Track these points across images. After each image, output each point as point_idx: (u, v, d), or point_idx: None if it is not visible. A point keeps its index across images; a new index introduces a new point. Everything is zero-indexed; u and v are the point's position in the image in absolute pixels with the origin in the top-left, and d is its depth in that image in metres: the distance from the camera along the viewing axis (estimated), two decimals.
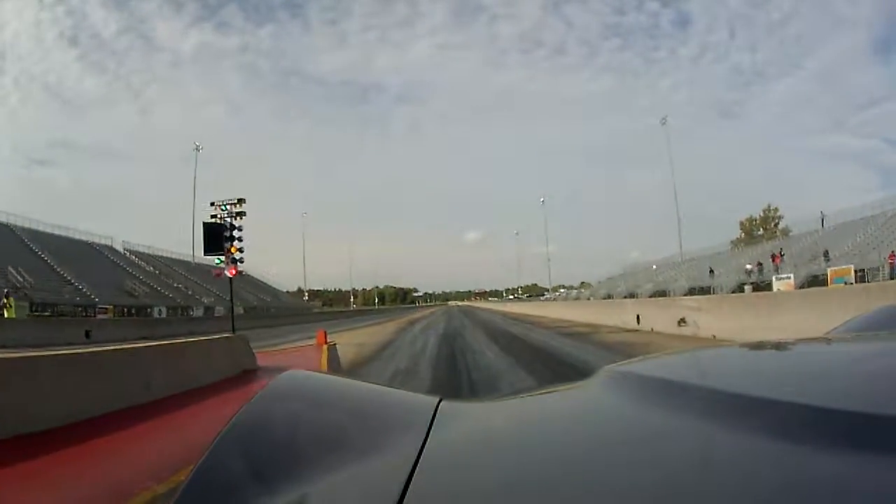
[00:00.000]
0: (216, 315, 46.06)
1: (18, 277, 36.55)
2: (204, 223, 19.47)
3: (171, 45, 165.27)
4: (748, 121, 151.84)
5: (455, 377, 10.98)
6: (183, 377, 7.67)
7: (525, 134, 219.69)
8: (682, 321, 16.61)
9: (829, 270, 28.44)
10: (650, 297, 41.79)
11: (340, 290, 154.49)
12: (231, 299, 20.67)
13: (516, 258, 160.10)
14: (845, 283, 23.95)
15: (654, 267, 61.40)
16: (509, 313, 49.20)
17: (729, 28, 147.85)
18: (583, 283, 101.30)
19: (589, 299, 55.08)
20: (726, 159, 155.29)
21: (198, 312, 47.52)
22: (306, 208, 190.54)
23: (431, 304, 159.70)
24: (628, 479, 0.52)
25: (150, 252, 62.92)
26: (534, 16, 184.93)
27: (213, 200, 19.69)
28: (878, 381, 0.65)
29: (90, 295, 40.40)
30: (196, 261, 67.80)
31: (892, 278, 24.36)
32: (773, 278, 32.16)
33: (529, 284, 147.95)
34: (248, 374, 9.52)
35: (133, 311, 41.80)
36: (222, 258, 19.10)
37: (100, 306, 38.30)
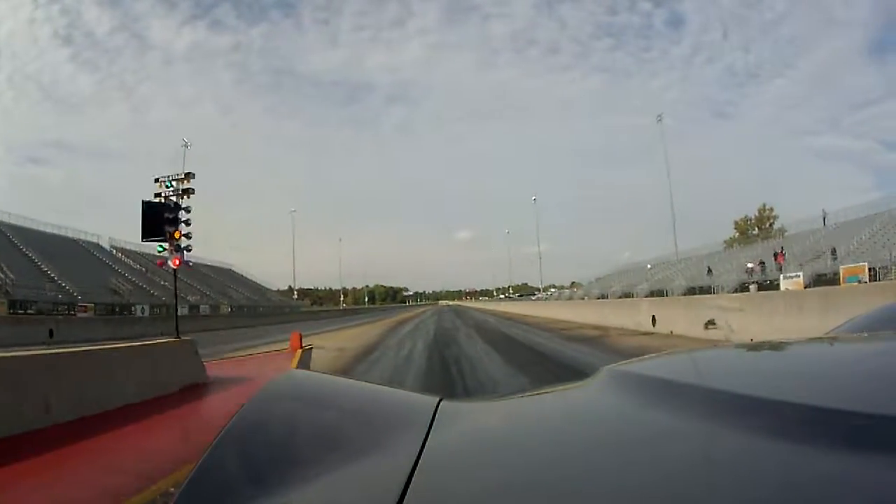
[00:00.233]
0: (202, 314, 45.44)
1: (0, 274, 35.65)
2: (143, 202, 15.61)
3: (164, 43, 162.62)
4: (740, 121, 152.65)
5: (450, 390, 9.14)
6: (101, 393, 6.26)
7: (516, 134, 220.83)
8: (710, 323, 14.50)
9: (841, 268, 27.66)
10: (646, 296, 41.13)
11: (331, 289, 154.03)
12: (175, 295, 17.23)
13: (507, 258, 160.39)
14: (859, 282, 23.25)
15: (649, 266, 60.80)
16: (503, 313, 47.75)
17: (722, 28, 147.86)
18: (573, 282, 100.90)
19: (583, 299, 54.27)
20: (717, 160, 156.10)
21: (182, 311, 46.05)
22: (298, 208, 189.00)
23: (422, 303, 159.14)
24: (628, 479, 0.52)
25: (138, 250, 61.61)
26: (526, 15, 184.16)
27: (157, 176, 16.44)
28: (878, 381, 0.65)
29: (73, 293, 39.72)
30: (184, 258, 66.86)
31: None
32: (781, 277, 31.35)
33: (520, 284, 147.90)
34: (192, 391, 7.83)
35: (115, 310, 40.88)
36: (165, 245, 15.71)
37: (80, 304, 37.34)
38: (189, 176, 16.51)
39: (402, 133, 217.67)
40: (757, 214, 66.80)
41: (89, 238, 56.67)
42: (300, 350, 12.81)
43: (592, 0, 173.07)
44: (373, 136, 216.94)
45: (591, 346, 15.19)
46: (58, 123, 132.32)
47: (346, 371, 12.14)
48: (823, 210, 41.53)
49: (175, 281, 16.54)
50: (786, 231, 49.15)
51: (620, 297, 45.34)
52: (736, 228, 67.31)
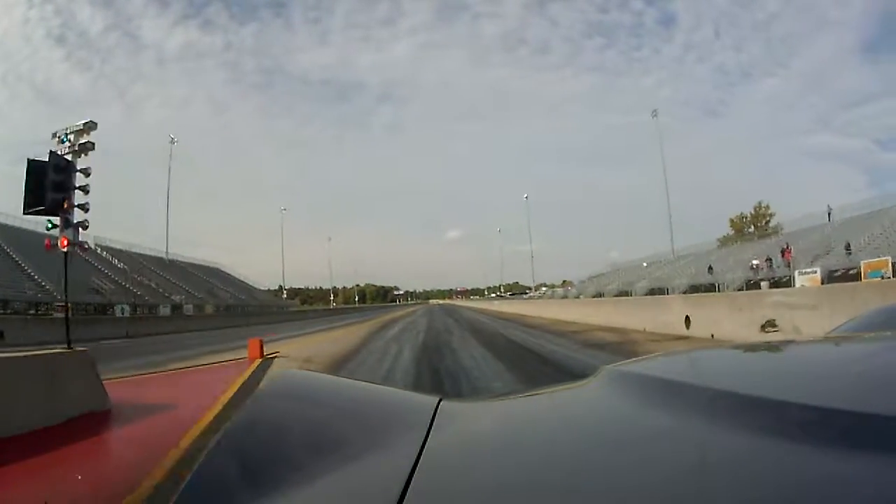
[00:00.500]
0: (185, 314, 43.94)
1: None
2: (29, 160, 11.80)
3: (155, 42, 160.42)
4: (731, 120, 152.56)
5: None
6: None
7: (506, 133, 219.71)
8: (769, 324, 11.47)
9: (862, 263, 26.56)
10: (645, 294, 40.14)
11: (322, 289, 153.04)
12: (65, 288, 13.39)
13: (499, 256, 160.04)
14: (882, 277, 22.46)
15: (645, 265, 60.06)
16: (498, 313, 44.00)
17: (714, 27, 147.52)
18: (564, 281, 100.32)
19: (578, 297, 53.24)
20: (709, 159, 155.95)
21: (164, 311, 45.30)
22: (290, 208, 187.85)
23: (412, 302, 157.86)
24: (628, 479, 0.52)
25: (123, 248, 60.27)
26: (517, 14, 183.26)
27: (54, 131, 12.63)
28: (878, 381, 0.65)
29: (52, 291, 38.09)
30: (170, 257, 65.38)
31: None
32: (796, 273, 30.26)
33: (511, 283, 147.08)
34: (79, 425, 5.55)
35: (98, 309, 39.56)
36: (55, 221, 12.08)
37: (56, 304, 35.70)
38: (89, 126, 12.65)
39: (392, 132, 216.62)
40: (753, 212, 66.66)
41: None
42: (259, 360, 10.83)
43: None
44: (364, 135, 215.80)
45: (624, 357, 11.92)
46: (49, 121, 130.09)
47: None
48: (828, 206, 40.93)
49: (65, 269, 12.64)
50: (782, 228, 48.63)
51: (618, 296, 44.34)
52: (732, 226, 67.26)
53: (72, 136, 12.39)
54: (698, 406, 0.63)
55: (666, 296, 28.47)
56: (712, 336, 13.15)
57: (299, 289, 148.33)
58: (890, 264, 25.01)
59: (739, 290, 30.33)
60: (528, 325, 25.00)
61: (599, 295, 51.44)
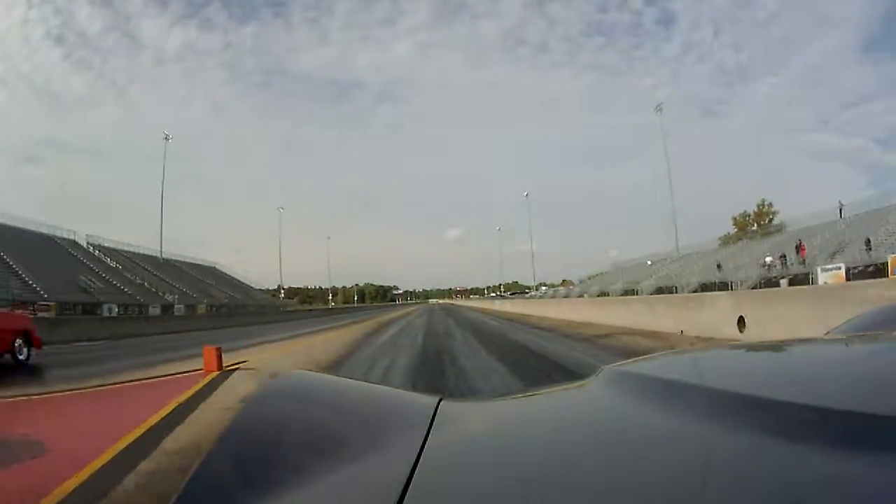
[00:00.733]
0: (176, 314, 42.64)
1: None
2: None
3: (154, 42, 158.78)
4: (731, 119, 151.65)
5: None
6: None
7: (505, 132, 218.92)
8: None
9: (889, 258, 25.57)
10: (652, 293, 38.91)
11: (321, 288, 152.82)
12: None
13: (498, 255, 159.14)
14: None
15: (650, 263, 59.10)
16: (501, 313, 40.76)
17: (713, 27, 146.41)
18: (564, 280, 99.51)
19: (581, 296, 52.01)
20: (707, 159, 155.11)
21: (154, 311, 44.13)
22: (290, 207, 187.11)
23: (411, 302, 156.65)
24: (628, 479, 0.53)
25: (116, 247, 59.41)
26: (516, 14, 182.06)
27: None
28: (878, 381, 0.66)
29: (39, 290, 37.52)
30: (163, 256, 64.18)
31: None
32: (819, 269, 29.19)
33: (510, 283, 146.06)
34: None
35: (86, 309, 38.36)
36: None
37: (41, 303, 34.70)
38: None
39: (392, 131, 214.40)
40: (756, 210, 65.87)
41: (65, 235, 54.54)
42: (216, 372, 8.77)
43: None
44: (364, 134, 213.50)
45: None
46: (47, 121, 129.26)
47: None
48: (840, 202, 40.14)
49: None
50: (786, 226, 47.77)
51: (623, 295, 43.08)
52: (735, 224, 66.75)
53: None
54: (698, 406, 0.62)
55: (709, 293, 23.94)
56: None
57: (298, 288, 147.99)
58: None
59: (754, 288, 29.14)
60: (538, 326, 22.41)
61: (604, 294, 50.28)
